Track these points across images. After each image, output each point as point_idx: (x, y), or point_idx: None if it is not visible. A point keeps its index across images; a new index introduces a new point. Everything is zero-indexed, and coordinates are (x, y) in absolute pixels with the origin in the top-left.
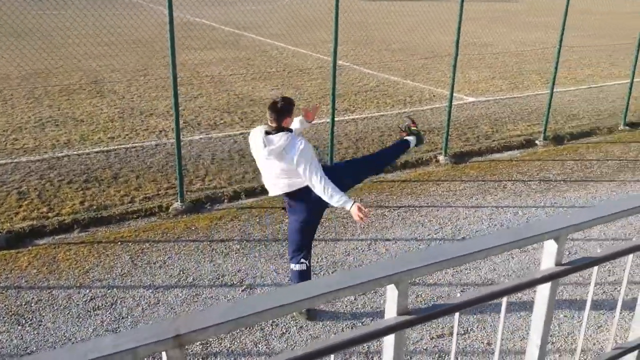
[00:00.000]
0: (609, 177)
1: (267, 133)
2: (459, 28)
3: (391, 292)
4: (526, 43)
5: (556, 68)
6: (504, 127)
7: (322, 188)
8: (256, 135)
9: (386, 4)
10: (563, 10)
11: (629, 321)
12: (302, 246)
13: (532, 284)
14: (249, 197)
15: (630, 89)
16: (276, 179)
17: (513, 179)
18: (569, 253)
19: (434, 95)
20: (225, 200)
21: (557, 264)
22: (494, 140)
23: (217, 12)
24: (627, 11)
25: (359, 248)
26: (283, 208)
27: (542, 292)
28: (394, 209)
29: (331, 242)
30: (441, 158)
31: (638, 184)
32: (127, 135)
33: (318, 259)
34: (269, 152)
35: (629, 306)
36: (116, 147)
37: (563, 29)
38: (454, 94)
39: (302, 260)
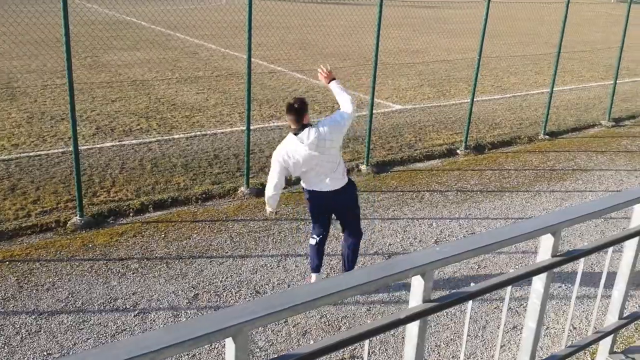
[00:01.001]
0: (525, 188)
1: (296, 134)
2: (378, 36)
3: (417, 282)
4: (457, 50)
5: (476, 78)
6: (427, 135)
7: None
8: (293, 144)
9: (324, 7)
10: (482, 20)
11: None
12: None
13: (533, 273)
14: (157, 210)
15: (550, 98)
16: (333, 173)
17: (431, 189)
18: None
19: (362, 102)
20: (131, 214)
21: (553, 255)
22: (416, 150)
23: (148, 10)
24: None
25: (268, 265)
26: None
27: (539, 281)
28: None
29: (239, 258)
30: (363, 167)
31: (552, 194)
32: (32, 142)
33: (222, 277)
34: (309, 146)
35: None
36: (18, 155)
37: (482, 39)
38: (381, 102)
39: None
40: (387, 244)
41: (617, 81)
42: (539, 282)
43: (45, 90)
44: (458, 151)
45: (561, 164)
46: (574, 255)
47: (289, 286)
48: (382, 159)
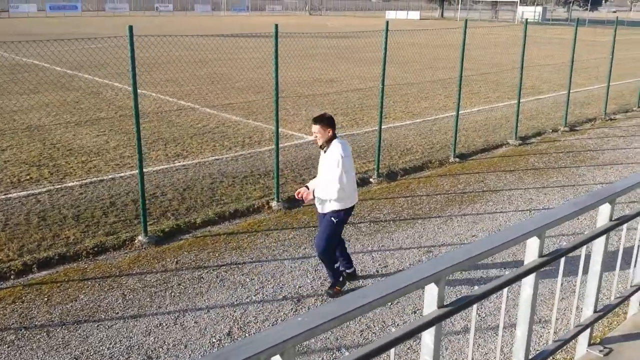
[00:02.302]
0: (437, 213)
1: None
2: (276, 69)
3: (431, 290)
4: (369, 78)
5: (381, 105)
6: None
7: None
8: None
9: (234, 40)
10: (382, 49)
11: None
12: None
13: (524, 274)
14: (43, 269)
15: (457, 121)
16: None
17: None
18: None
19: (273, 135)
20: (12, 277)
21: (540, 256)
22: None
23: (50, 51)
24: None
25: (164, 324)
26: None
27: (529, 281)
28: (213, 269)
29: (131, 319)
30: (274, 204)
31: (464, 218)
32: None
33: (109, 343)
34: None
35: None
36: None
37: (384, 68)
38: (294, 134)
39: None
40: (297, 286)
41: (523, 100)
42: (528, 282)
43: None
44: (371, 180)
45: (471, 186)
46: (557, 255)
47: (185, 347)
48: (294, 194)
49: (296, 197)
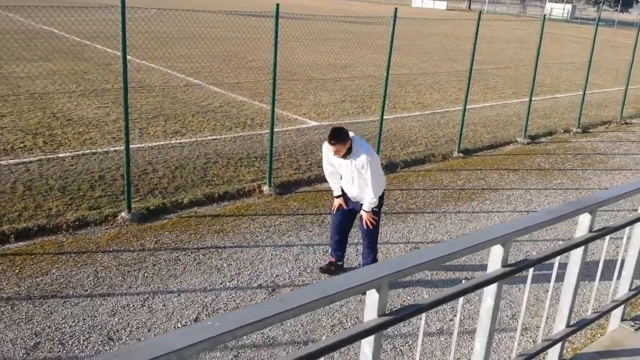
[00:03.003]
0: (431, 209)
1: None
2: (276, 50)
3: (371, 297)
4: (384, 66)
5: (384, 94)
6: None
7: None
8: None
9: (255, 19)
10: (389, 37)
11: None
12: None
13: (484, 284)
14: (20, 240)
15: (463, 115)
16: None
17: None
18: None
19: (277, 118)
20: None
21: (503, 265)
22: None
23: (68, 19)
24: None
25: (131, 305)
26: None
27: (490, 291)
28: (192, 252)
29: (99, 298)
30: (265, 188)
31: (457, 215)
32: None
33: (72, 321)
34: None
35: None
36: None
37: (390, 56)
38: (298, 118)
39: None
40: (274, 274)
41: (539, 98)
42: (490, 292)
43: None
44: None
45: (471, 183)
46: (523, 265)
47: (149, 330)
48: (288, 179)
49: (335, 209)
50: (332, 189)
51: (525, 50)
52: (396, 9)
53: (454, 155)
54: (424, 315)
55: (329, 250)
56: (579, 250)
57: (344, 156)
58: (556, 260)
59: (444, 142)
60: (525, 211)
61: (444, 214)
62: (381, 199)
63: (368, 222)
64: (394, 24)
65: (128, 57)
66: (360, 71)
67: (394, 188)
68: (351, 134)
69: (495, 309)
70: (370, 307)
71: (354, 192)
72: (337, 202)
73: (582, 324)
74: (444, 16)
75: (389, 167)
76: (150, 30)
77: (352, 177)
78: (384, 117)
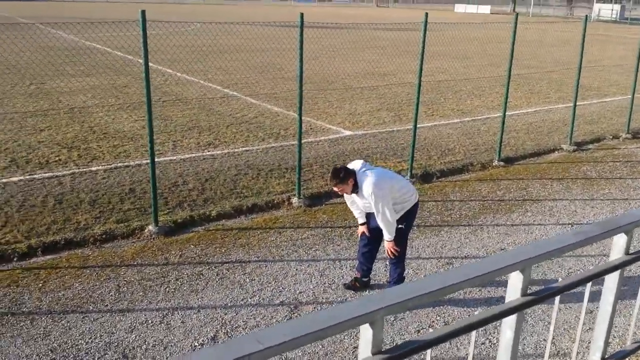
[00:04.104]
0: (467, 221)
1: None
2: (301, 60)
3: (365, 333)
4: (425, 73)
5: (417, 103)
6: (373, 164)
7: None
8: None
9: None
10: (420, 42)
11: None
12: None
13: (501, 315)
14: (47, 254)
15: (503, 121)
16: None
17: None
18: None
19: (310, 128)
20: (15, 259)
21: (523, 294)
22: None
23: (110, 35)
24: (533, 40)
25: (149, 321)
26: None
27: (509, 322)
28: (216, 266)
29: (118, 313)
30: (295, 200)
31: (495, 228)
32: None
33: (90, 337)
34: None
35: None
36: None
37: (421, 62)
38: (332, 127)
39: None
40: (298, 291)
41: (586, 102)
42: (509, 324)
43: None
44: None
45: (512, 194)
46: (546, 294)
47: (165, 348)
48: (318, 190)
49: (359, 236)
50: (356, 217)
51: (571, 53)
52: (427, 14)
53: (493, 164)
54: (429, 352)
55: (356, 265)
56: (614, 275)
57: (353, 191)
58: (587, 286)
59: (483, 151)
60: (568, 224)
61: (481, 227)
62: (409, 214)
63: (390, 253)
64: (424, 30)
65: (168, 71)
66: (399, 78)
67: (429, 199)
68: (359, 163)
69: (516, 342)
70: (364, 345)
71: (375, 220)
72: (360, 229)
73: (621, 356)
74: (488, 20)
75: (424, 178)
76: (191, 44)
77: (368, 207)
78: (421, 125)
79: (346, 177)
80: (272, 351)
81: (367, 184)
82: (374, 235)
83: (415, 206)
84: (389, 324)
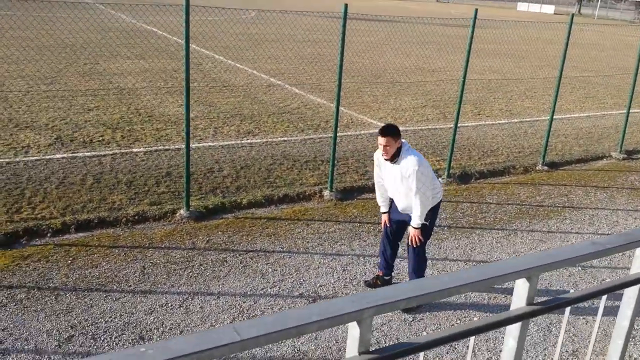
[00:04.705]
0: (501, 225)
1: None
2: (342, 52)
3: (353, 331)
4: (476, 70)
5: (460, 102)
6: None
7: None
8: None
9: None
10: (468, 39)
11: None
12: None
13: (505, 322)
14: (80, 231)
15: (550, 125)
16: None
17: None
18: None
19: (352, 121)
20: (49, 234)
21: (528, 303)
22: None
23: (169, 19)
24: (590, 42)
25: (169, 304)
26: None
27: (512, 331)
28: (240, 254)
29: (140, 294)
30: (326, 193)
31: (530, 234)
32: None
33: (110, 316)
34: None
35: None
36: None
37: (467, 60)
38: (373, 122)
39: None
40: (318, 284)
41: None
42: (512, 333)
43: (26, 96)
44: (440, 180)
45: (551, 200)
46: (554, 305)
47: (181, 332)
48: (351, 185)
49: (383, 225)
50: (379, 204)
51: (633, 58)
52: (476, 10)
53: (537, 168)
54: (422, 355)
55: (379, 262)
56: (634, 290)
57: (392, 159)
58: (602, 299)
59: (528, 154)
60: (608, 234)
61: (515, 232)
62: (433, 211)
63: (414, 240)
64: (473, 25)
65: (220, 57)
66: (449, 75)
67: (463, 200)
68: (404, 141)
69: (519, 353)
70: (351, 344)
71: (402, 204)
72: (384, 218)
73: None
74: (551, 20)
75: (462, 178)
76: (245, 31)
77: (397, 185)
78: (465, 125)
79: (397, 135)
80: (249, 343)
81: (412, 160)
82: (396, 228)
83: (439, 204)
84: (407, 324)
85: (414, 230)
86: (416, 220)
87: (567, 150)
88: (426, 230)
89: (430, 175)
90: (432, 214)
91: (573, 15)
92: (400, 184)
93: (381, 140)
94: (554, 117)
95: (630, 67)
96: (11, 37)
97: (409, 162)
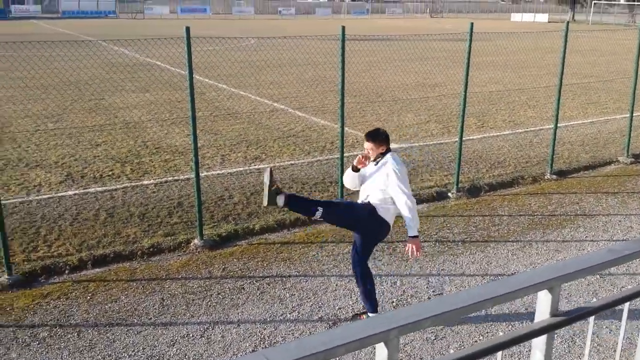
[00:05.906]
0: (515, 237)
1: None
2: (343, 74)
3: (380, 352)
4: (476, 83)
5: (463, 114)
6: (418, 177)
7: None
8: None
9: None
10: (465, 52)
11: None
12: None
13: (530, 336)
14: (97, 267)
15: (555, 132)
16: None
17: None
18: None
19: (357, 141)
20: (66, 271)
21: (552, 315)
22: None
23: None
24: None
25: (190, 335)
26: None
27: (539, 344)
28: (257, 280)
29: (161, 327)
30: None
31: (545, 245)
32: None
33: (132, 350)
34: None
35: None
36: None
37: (467, 73)
38: None
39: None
40: (337, 307)
41: None
42: (538, 346)
43: (34, 135)
44: (449, 194)
45: (563, 208)
46: (578, 315)
47: None
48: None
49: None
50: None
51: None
52: (472, 23)
53: (545, 178)
54: None
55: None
56: None
57: (375, 159)
58: (625, 307)
59: (535, 163)
60: (623, 240)
61: (530, 243)
62: (383, 225)
63: (412, 252)
64: (470, 39)
65: (222, 85)
66: (450, 89)
67: (475, 214)
68: (392, 152)
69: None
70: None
71: (364, 196)
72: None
73: None
74: (546, 29)
75: (471, 191)
76: (247, 59)
77: (369, 182)
78: (470, 138)
79: (383, 141)
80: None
81: (393, 161)
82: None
83: (389, 226)
84: (430, 342)
85: (413, 241)
86: (412, 229)
87: (574, 158)
88: (366, 241)
89: (406, 181)
90: (378, 227)
91: (568, 22)
92: (373, 182)
93: (365, 145)
94: (558, 125)
95: (628, 71)
96: (17, 78)
97: (390, 163)
